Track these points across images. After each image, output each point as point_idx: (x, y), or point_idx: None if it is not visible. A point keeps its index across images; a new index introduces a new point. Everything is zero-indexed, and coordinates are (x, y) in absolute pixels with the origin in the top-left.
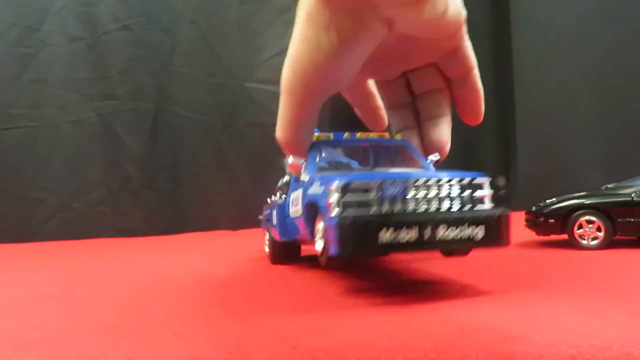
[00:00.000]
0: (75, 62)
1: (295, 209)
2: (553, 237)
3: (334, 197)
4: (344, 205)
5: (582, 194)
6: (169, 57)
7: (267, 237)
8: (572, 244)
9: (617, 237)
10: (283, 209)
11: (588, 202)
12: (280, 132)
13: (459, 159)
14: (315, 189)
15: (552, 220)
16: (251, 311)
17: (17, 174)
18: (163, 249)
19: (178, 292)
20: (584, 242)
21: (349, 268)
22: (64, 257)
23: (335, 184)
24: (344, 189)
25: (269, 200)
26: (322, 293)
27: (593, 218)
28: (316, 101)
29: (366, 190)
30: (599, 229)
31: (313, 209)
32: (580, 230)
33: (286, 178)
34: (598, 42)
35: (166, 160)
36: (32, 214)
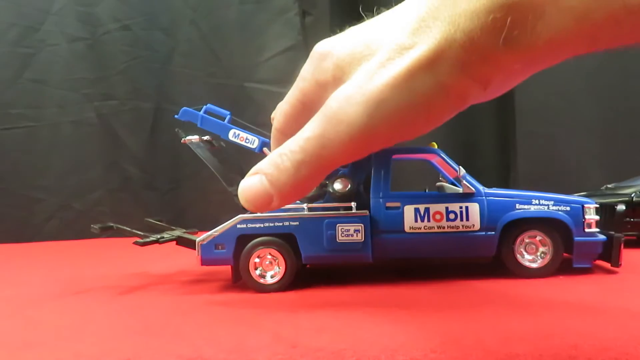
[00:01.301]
0: (75, 62)
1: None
2: None
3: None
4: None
5: (582, 194)
6: (169, 57)
7: None
8: None
9: None
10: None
11: None
12: (295, 168)
13: (459, 159)
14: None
15: None
16: (251, 311)
17: (17, 174)
18: (163, 249)
19: (178, 292)
20: None
21: (348, 269)
22: (64, 257)
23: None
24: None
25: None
26: (322, 293)
27: None
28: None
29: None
30: None
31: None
32: None
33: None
34: None
35: (166, 160)
36: (32, 214)
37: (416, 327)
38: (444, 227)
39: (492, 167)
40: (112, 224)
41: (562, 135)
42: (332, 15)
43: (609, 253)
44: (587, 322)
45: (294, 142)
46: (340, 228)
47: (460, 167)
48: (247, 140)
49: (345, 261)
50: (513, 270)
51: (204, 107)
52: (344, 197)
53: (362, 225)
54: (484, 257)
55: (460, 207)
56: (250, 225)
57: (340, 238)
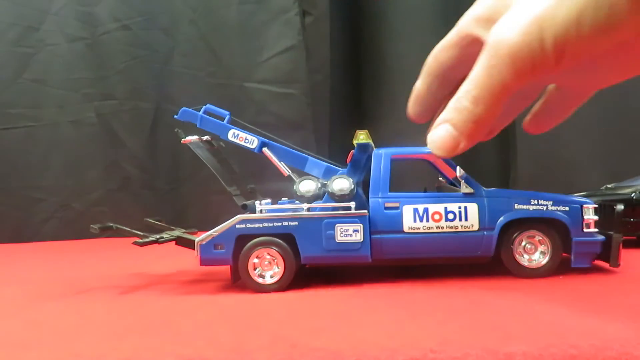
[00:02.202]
0: (75, 62)
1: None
2: None
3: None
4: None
5: (582, 193)
6: (169, 57)
7: None
8: None
9: None
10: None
11: None
12: (474, 105)
13: (459, 159)
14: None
15: None
16: (251, 311)
17: (17, 174)
18: (163, 249)
19: (178, 292)
20: None
21: (349, 269)
22: (64, 257)
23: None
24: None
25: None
26: (322, 293)
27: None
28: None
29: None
30: None
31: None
32: None
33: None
34: None
35: (166, 160)
36: (31, 214)
37: (416, 327)
38: (442, 227)
39: (492, 167)
40: (111, 224)
41: (562, 135)
42: (332, 15)
43: (608, 253)
44: (587, 322)
45: (467, 82)
46: (339, 228)
47: (459, 167)
48: (247, 140)
49: (344, 261)
50: (512, 270)
51: (204, 107)
52: (343, 197)
53: (361, 225)
54: (483, 257)
55: (459, 207)
56: (249, 226)
57: (339, 238)
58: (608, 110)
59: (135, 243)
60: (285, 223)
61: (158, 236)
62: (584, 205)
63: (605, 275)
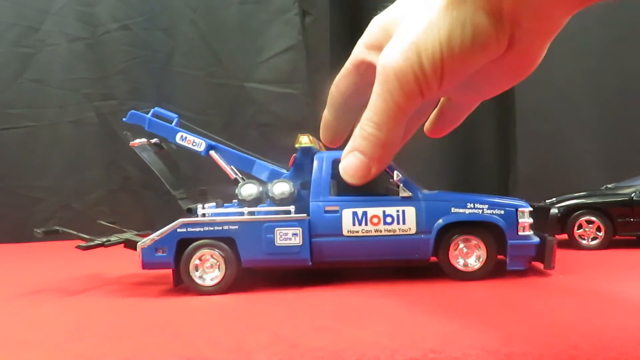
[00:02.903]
0: (75, 62)
1: (400, 227)
2: None
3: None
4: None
5: (582, 194)
6: (169, 57)
7: None
8: (572, 243)
9: (617, 237)
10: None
11: (588, 202)
12: (376, 130)
13: (460, 159)
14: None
15: None
16: (251, 311)
17: (17, 174)
18: None
19: (178, 292)
20: (584, 242)
21: (348, 270)
22: (64, 257)
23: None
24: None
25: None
26: (322, 293)
27: (593, 218)
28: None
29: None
30: (598, 229)
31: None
32: (580, 230)
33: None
34: (598, 42)
35: None
36: (31, 214)
37: (416, 327)
38: (381, 231)
39: (492, 167)
40: (57, 228)
41: (562, 135)
42: (332, 15)
43: (543, 255)
44: (587, 322)
45: (367, 109)
46: (278, 232)
47: (397, 171)
48: (194, 144)
49: (284, 264)
50: (448, 273)
51: (152, 110)
52: (283, 201)
53: (301, 229)
54: (421, 261)
55: (397, 211)
56: (190, 229)
57: (279, 242)
58: (608, 110)
59: (78, 247)
60: (226, 227)
61: (105, 239)
62: (519, 209)
63: (605, 275)
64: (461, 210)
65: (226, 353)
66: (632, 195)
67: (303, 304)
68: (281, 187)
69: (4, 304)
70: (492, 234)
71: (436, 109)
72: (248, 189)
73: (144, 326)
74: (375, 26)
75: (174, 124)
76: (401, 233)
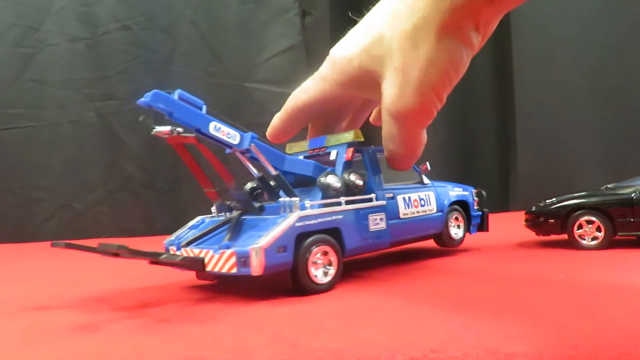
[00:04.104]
0: (75, 62)
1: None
2: (553, 237)
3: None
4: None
5: (582, 194)
6: (169, 57)
7: None
8: (572, 244)
9: (617, 237)
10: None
11: (588, 202)
12: (410, 152)
13: (460, 159)
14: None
15: (552, 220)
16: (251, 311)
17: (17, 174)
18: (162, 249)
19: (177, 292)
20: (584, 242)
21: (348, 269)
22: (64, 257)
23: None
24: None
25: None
26: (322, 294)
27: (593, 218)
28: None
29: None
30: (598, 229)
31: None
32: (580, 230)
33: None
34: (598, 42)
35: (166, 160)
36: (32, 214)
37: (416, 327)
38: (419, 212)
39: (492, 167)
40: (124, 246)
41: (562, 135)
42: (332, 15)
43: (482, 223)
44: (587, 322)
45: (393, 142)
46: (371, 218)
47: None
48: (229, 135)
49: (373, 249)
50: (446, 242)
51: (177, 92)
52: (360, 189)
53: (384, 213)
54: (435, 234)
55: (426, 195)
56: (306, 223)
57: (372, 227)
58: (608, 111)
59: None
60: (334, 217)
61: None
62: (473, 191)
63: (605, 276)
64: (455, 193)
65: (226, 353)
66: (632, 195)
67: (303, 304)
68: (357, 178)
69: (4, 304)
70: (465, 210)
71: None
72: (333, 179)
73: (144, 326)
74: (352, 66)
75: (203, 111)
76: (429, 213)
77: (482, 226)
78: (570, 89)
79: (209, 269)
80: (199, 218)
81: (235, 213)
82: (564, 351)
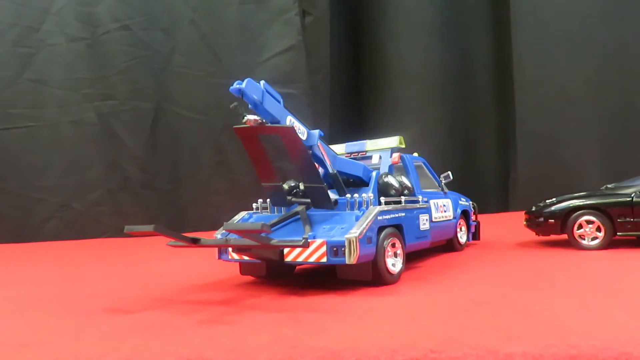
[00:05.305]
0: (75, 62)
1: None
2: (553, 237)
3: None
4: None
5: (582, 194)
6: (169, 57)
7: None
8: (572, 244)
9: (617, 237)
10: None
11: (588, 202)
12: None
13: (460, 159)
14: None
15: (552, 221)
16: (251, 311)
17: (17, 174)
18: (162, 249)
19: (177, 292)
20: (584, 242)
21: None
22: (64, 257)
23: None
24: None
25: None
26: (322, 293)
27: (593, 218)
28: None
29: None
30: (598, 229)
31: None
32: (580, 230)
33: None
34: (598, 42)
35: (166, 160)
36: (32, 214)
37: (416, 327)
38: (444, 218)
39: (492, 167)
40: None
41: (562, 135)
42: (332, 15)
43: (475, 232)
44: (587, 322)
45: None
46: (422, 218)
47: (450, 172)
48: (299, 131)
49: (419, 247)
50: (455, 246)
51: (262, 82)
52: (410, 191)
53: (428, 214)
54: (450, 239)
55: (446, 203)
56: (384, 217)
57: (422, 227)
58: (608, 111)
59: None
60: (398, 214)
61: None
62: (470, 202)
63: (605, 275)
64: (462, 203)
65: (226, 353)
66: (632, 195)
67: (303, 304)
68: (406, 181)
69: (4, 304)
70: (466, 218)
71: None
72: (393, 180)
73: (144, 326)
74: None
75: (281, 105)
76: (448, 219)
77: (475, 235)
78: (570, 89)
79: (289, 259)
80: (244, 213)
81: (299, 207)
82: (564, 351)
